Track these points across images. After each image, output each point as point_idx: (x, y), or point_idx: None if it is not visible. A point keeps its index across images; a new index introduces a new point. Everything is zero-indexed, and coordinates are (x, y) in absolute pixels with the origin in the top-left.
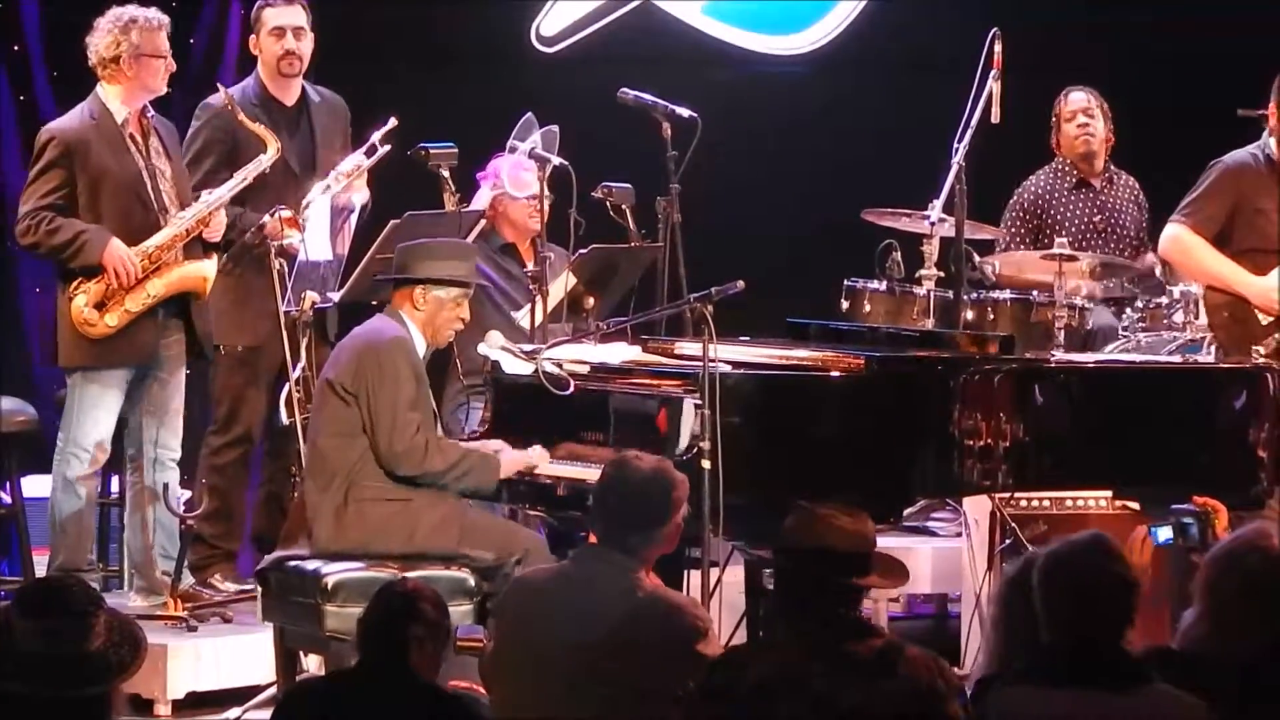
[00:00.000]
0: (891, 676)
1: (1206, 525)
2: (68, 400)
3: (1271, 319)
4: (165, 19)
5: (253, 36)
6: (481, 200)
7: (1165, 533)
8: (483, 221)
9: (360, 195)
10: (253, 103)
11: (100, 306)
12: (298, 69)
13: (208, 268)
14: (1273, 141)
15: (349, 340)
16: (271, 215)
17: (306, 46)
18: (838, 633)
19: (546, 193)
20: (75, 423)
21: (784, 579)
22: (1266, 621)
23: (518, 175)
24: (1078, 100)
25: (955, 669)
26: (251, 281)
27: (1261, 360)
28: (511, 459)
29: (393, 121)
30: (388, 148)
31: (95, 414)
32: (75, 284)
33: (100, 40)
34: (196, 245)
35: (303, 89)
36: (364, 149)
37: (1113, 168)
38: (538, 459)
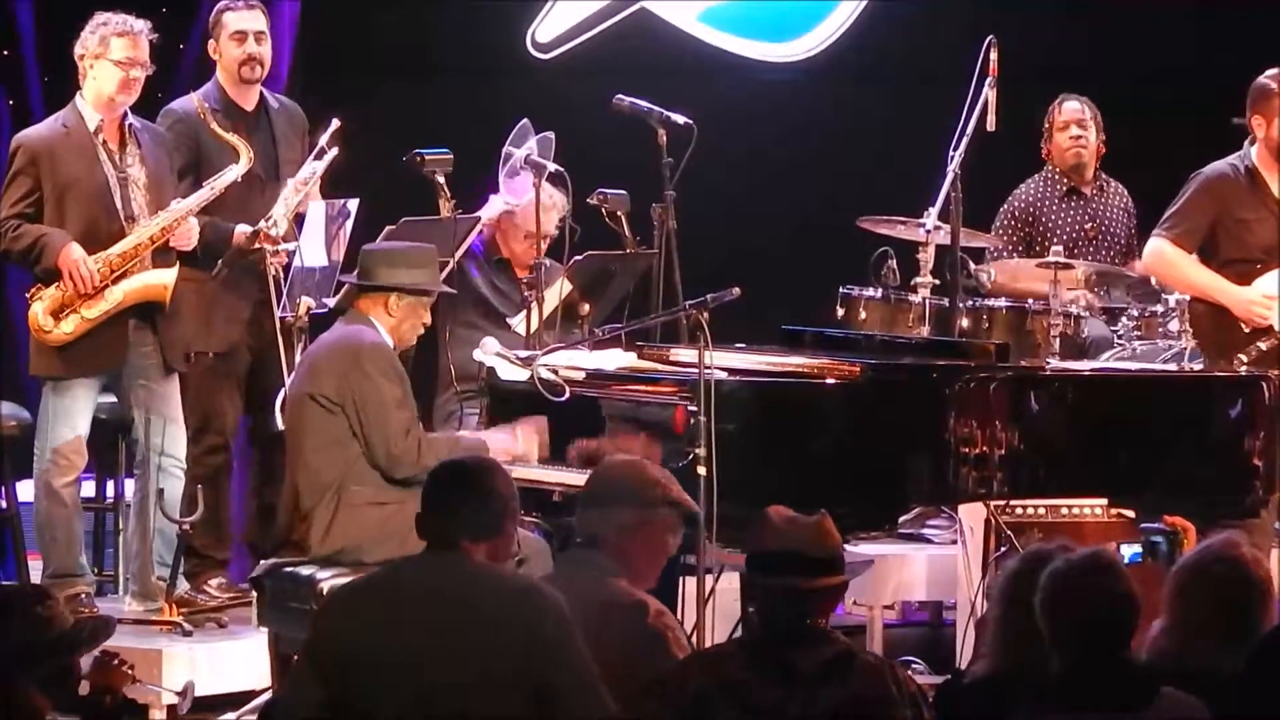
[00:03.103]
0: (837, 686)
1: (1175, 544)
2: (40, 408)
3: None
4: (142, 27)
5: (212, 41)
6: (491, 209)
7: (1134, 550)
8: (481, 227)
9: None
10: (213, 109)
11: (57, 314)
12: (259, 74)
13: (167, 276)
14: (1254, 151)
15: (321, 349)
16: (267, 221)
17: (267, 51)
18: (787, 641)
19: (553, 230)
20: (49, 431)
21: (742, 585)
22: (1234, 631)
23: (532, 212)
24: (1072, 110)
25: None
26: (221, 288)
27: (1254, 369)
28: (499, 444)
29: (336, 123)
30: (335, 150)
31: (67, 421)
32: (34, 290)
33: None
34: (172, 255)
35: (261, 94)
36: (313, 155)
37: (1103, 175)
38: (524, 447)
